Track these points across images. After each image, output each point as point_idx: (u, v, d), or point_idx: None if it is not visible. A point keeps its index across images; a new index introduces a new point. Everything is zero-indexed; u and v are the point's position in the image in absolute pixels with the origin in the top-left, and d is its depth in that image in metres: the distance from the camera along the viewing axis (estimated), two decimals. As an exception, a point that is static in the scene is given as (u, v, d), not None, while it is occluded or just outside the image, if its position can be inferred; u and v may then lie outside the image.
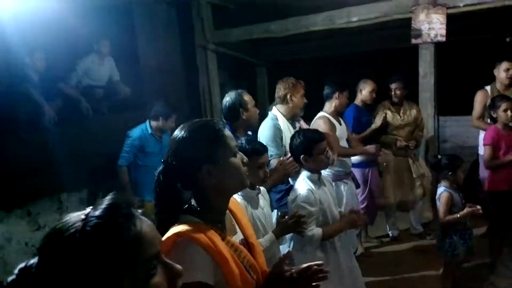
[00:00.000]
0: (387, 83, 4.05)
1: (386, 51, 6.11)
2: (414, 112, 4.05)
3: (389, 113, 3.98)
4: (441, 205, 2.68)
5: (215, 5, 5.56)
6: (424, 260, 3.58)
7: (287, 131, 2.78)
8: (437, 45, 4.34)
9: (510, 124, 3.07)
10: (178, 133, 1.18)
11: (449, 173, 2.70)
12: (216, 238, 1.10)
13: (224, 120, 2.58)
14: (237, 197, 1.81)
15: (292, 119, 2.91)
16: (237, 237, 1.24)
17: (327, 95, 3.37)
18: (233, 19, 5.61)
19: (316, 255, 2.09)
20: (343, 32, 4.99)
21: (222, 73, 5.95)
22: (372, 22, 4.59)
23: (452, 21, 4.22)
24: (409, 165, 3.99)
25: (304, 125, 3.03)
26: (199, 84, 5.66)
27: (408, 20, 4.33)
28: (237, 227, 1.27)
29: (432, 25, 4.22)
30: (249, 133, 2.81)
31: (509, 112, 3.03)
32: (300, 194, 2.12)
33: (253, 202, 1.97)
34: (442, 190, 2.71)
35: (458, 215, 2.62)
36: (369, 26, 4.73)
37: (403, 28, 4.49)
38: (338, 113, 3.42)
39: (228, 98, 2.66)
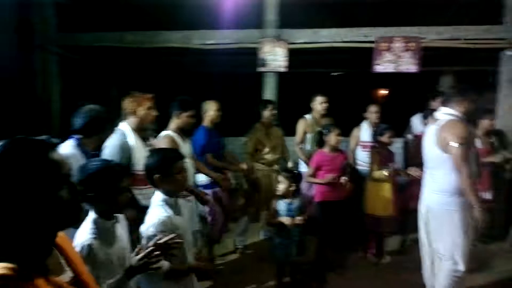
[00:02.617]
0: (258, 106, 4.30)
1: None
2: (279, 132, 4.47)
3: (262, 135, 4.27)
4: None
5: (61, 5, 5.08)
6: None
7: (138, 148, 2.66)
8: (280, 75, 4.89)
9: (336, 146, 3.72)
10: None
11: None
12: (43, 284, 0.91)
13: (78, 132, 2.46)
14: (87, 235, 1.59)
15: (142, 136, 2.79)
16: (66, 276, 1.06)
17: (171, 113, 3.35)
18: (86, 24, 5.24)
19: None
20: (198, 52, 5.14)
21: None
22: (225, 47, 4.89)
23: (295, 55, 4.82)
24: (272, 180, 4.30)
25: (153, 140, 2.96)
26: (37, 89, 5.04)
27: (257, 50, 4.77)
28: (65, 264, 1.07)
29: (275, 57, 4.74)
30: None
31: (339, 137, 3.68)
32: (154, 222, 1.91)
33: (108, 235, 1.67)
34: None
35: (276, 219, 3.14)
36: (224, 50, 5.01)
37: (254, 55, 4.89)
38: (183, 132, 3.37)
39: (92, 110, 2.52)
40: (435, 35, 4.57)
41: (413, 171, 3.65)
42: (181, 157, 2.10)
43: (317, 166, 3.71)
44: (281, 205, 3.15)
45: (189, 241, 2.11)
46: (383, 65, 4.66)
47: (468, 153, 2.64)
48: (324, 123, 4.26)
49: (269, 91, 4.86)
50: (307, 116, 4.52)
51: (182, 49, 5.00)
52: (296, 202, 3.16)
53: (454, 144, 2.61)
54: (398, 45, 4.60)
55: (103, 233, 1.64)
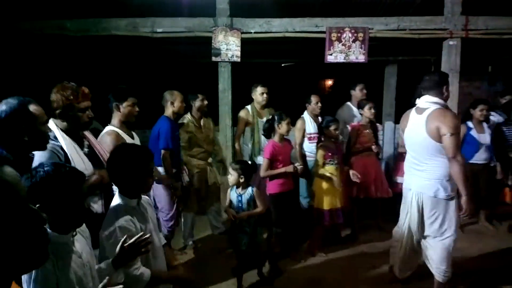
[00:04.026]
0: (188, 97, 4.10)
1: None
2: (210, 123, 4.32)
3: (193, 127, 4.06)
4: None
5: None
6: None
7: (73, 151, 2.19)
8: (234, 64, 4.80)
9: (285, 136, 3.73)
10: None
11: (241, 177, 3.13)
12: None
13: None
14: None
15: (76, 135, 2.32)
16: None
17: (111, 107, 3.00)
18: (26, 11, 4.80)
19: None
20: (148, 41, 4.91)
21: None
22: (176, 35, 4.71)
23: (247, 45, 4.75)
24: (207, 174, 4.21)
25: (92, 139, 2.51)
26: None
27: (210, 39, 4.64)
28: None
29: (229, 46, 4.64)
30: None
31: (290, 126, 3.67)
32: (118, 227, 1.75)
33: (64, 251, 1.44)
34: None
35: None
36: (175, 39, 4.83)
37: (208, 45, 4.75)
38: (128, 125, 3.02)
39: (4, 108, 1.85)
40: (381, 26, 4.73)
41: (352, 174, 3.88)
42: (152, 157, 1.95)
43: (272, 157, 3.62)
44: (233, 196, 3.15)
45: (156, 244, 1.97)
46: (334, 56, 4.75)
47: (460, 141, 2.76)
48: (266, 114, 4.22)
49: (224, 82, 4.76)
50: (248, 107, 4.41)
51: (131, 37, 4.74)
52: (246, 195, 3.13)
53: (448, 134, 2.68)
54: (347, 35, 4.70)
55: (56, 249, 1.38)
